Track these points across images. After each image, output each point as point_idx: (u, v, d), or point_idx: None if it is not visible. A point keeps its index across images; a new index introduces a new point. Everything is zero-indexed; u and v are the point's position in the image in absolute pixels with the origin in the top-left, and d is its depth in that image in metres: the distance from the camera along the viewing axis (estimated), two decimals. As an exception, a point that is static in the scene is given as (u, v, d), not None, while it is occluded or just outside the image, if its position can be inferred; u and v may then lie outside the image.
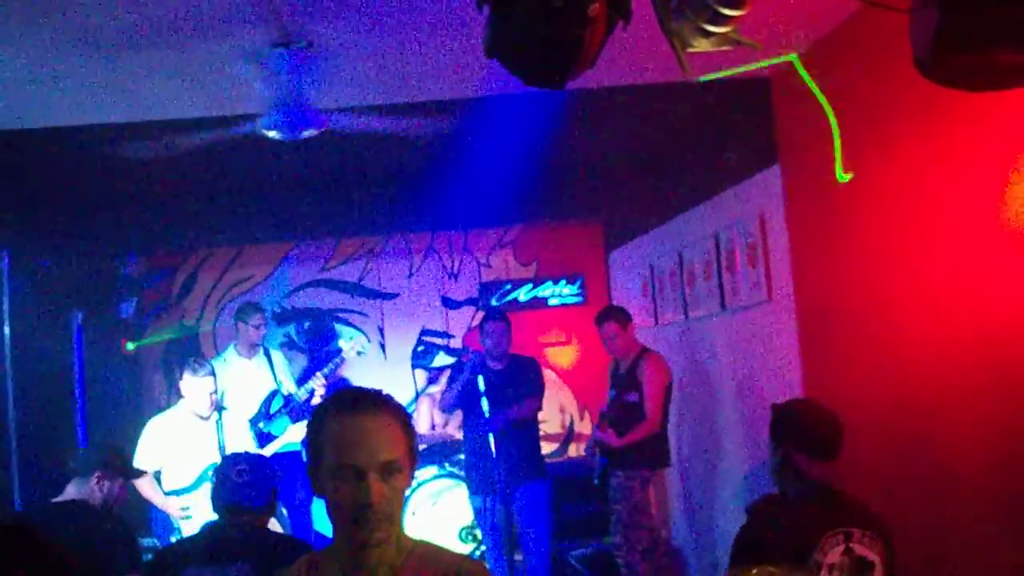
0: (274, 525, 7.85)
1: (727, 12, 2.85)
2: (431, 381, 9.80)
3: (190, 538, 4.45)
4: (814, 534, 3.55)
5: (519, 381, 7.08)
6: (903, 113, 4.59)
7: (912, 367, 4.69)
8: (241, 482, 4.06)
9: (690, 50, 2.97)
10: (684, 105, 6.64)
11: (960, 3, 2.58)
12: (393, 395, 2.39)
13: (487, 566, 2.50)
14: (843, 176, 5.04)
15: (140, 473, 5.53)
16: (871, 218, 4.99)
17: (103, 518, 4.78)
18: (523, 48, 2.78)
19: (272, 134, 5.06)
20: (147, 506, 6.72)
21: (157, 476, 6.65)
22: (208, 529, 4.15)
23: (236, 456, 4.37)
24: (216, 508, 4.14)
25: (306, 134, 5.09)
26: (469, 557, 2.71)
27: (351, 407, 2.28)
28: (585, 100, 5.96)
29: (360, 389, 2.35)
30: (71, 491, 4.81)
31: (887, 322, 4.90)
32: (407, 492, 2.39)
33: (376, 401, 2.31)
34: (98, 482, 4.81)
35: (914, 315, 4.66)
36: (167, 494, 6.57)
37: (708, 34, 2.93)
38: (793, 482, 3.76)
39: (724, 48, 2.97)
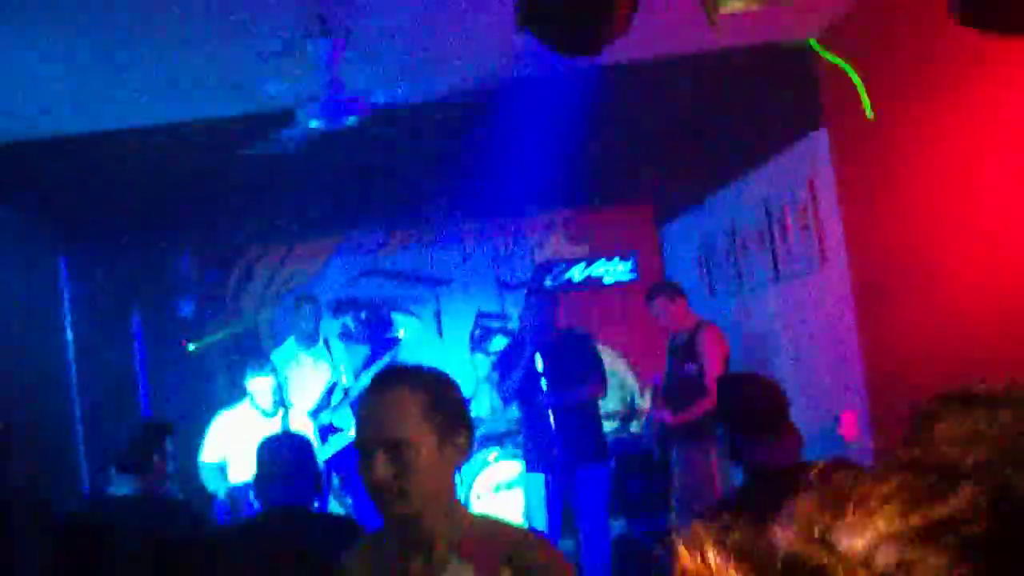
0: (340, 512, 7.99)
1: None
2: (492, 367, 9.79)
3: (241, 526, 4.45)
4: None
5: (574, 358, 7.01)
6: (949, 67, 4.52)
7: (971, 325, 4.61)
8: (290, 473, 4.01)
9: (723, 11, 2.94)
10: (725, 73, 6.55)
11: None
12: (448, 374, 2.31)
13: (548, 540, 2.44)
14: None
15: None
16: (921, 176, 4.92)
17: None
18: (553, 16, 2.77)
19: (315, 124, 5.09)
20: (210, 498, 6.81)
21: (223, 468, 6.74)
22: (261, 519, 4.08)
23: (276, 445, 4.22)
24: (264, 501, 4.08)
25: (349, 122, 5.10)
26: (531, 531, 2.67)
27: (371, 386, 2.25)
28: (624, 76, 5.92)
29: (393, 366, 2.30)
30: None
31: (944, 280, 4.83)
32: (454, 468, 2.24)
33: (396, 377, 2.24)
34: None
35: (971, 272, 4.59)
36: (233, 486, 6.66)
37: (740, -6, 2.90)
38: (739, 465, 3.48)
39: (755, 7, 2.94)
